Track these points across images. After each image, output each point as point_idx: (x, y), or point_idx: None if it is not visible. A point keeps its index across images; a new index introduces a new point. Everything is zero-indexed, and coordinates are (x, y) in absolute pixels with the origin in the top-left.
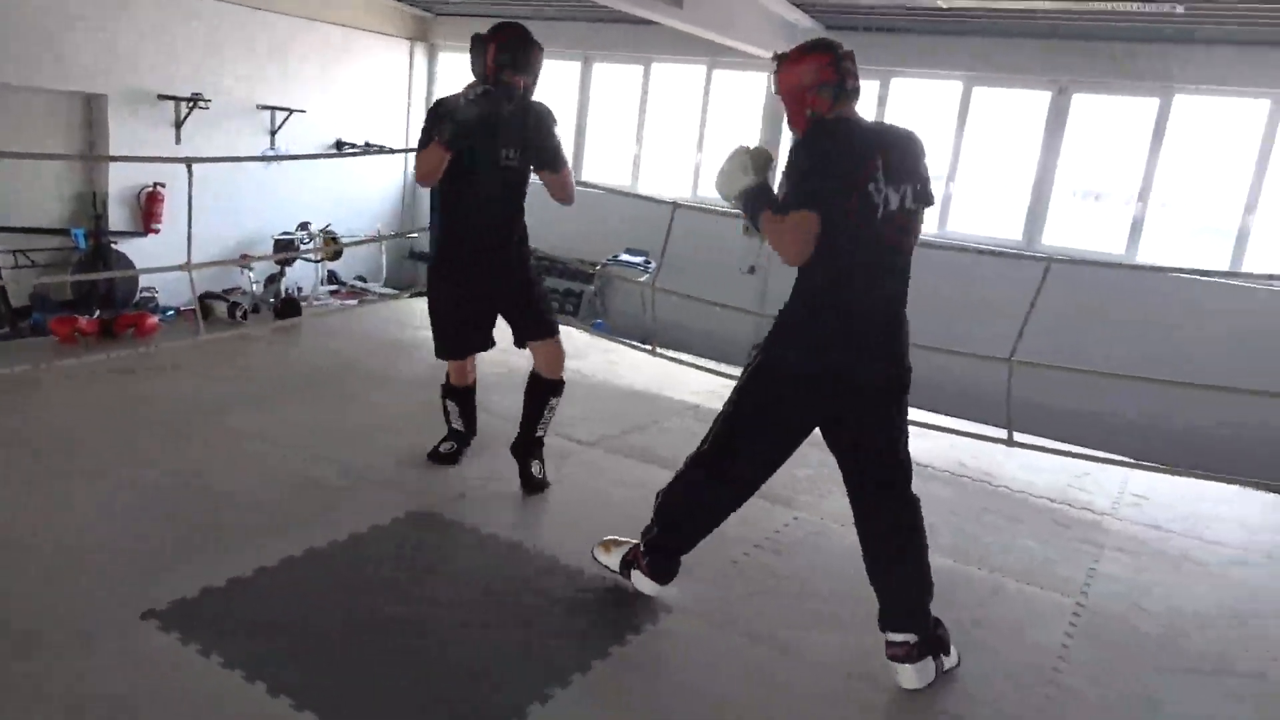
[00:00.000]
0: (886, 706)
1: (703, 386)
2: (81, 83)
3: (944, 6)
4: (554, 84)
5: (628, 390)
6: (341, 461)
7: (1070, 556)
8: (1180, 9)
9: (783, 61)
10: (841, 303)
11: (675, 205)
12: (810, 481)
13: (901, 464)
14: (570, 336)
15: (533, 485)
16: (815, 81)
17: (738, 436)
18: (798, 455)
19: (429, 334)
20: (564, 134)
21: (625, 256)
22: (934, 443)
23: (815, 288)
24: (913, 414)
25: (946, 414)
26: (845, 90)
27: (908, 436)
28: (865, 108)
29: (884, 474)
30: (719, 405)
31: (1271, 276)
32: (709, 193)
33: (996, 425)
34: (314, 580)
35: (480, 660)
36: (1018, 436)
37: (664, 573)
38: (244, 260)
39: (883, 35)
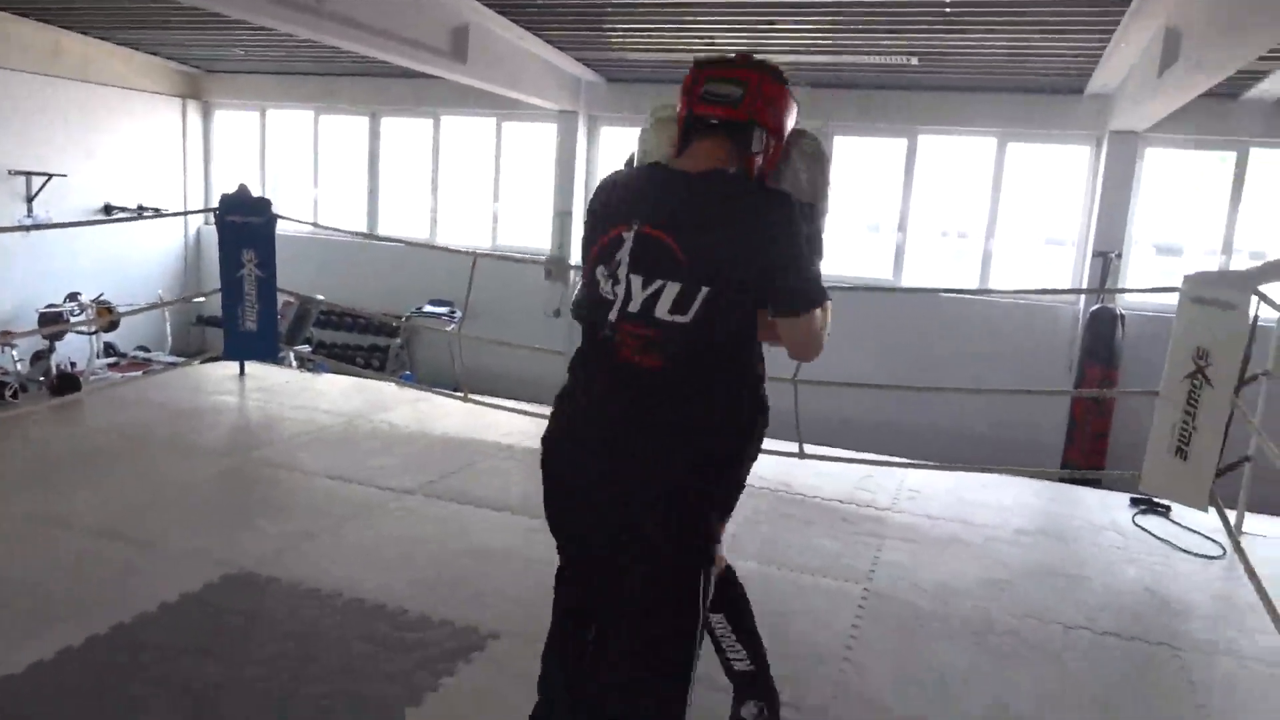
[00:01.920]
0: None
1: (515, 428)
2: None
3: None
4: (342, 140)
5: (440, 437)
6: (142, 534)
7: (857, 549)
8: (914, 60)
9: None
10: (562, 426)
11: (475, 255)
12: None
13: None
14: (380, 391)
15: None
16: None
17: None
18: None
19: (226, 398)
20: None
21: (430, 308)
22: None
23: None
24: None
25: None
26: (693, 123)
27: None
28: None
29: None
30: (532, 444)
31: (1016, 292)
32: (508, 240)
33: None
34: (125, 655)
35: (307, 713)
36: (808, 449)
37: None
38: (3, 337)
39: (661, 86)
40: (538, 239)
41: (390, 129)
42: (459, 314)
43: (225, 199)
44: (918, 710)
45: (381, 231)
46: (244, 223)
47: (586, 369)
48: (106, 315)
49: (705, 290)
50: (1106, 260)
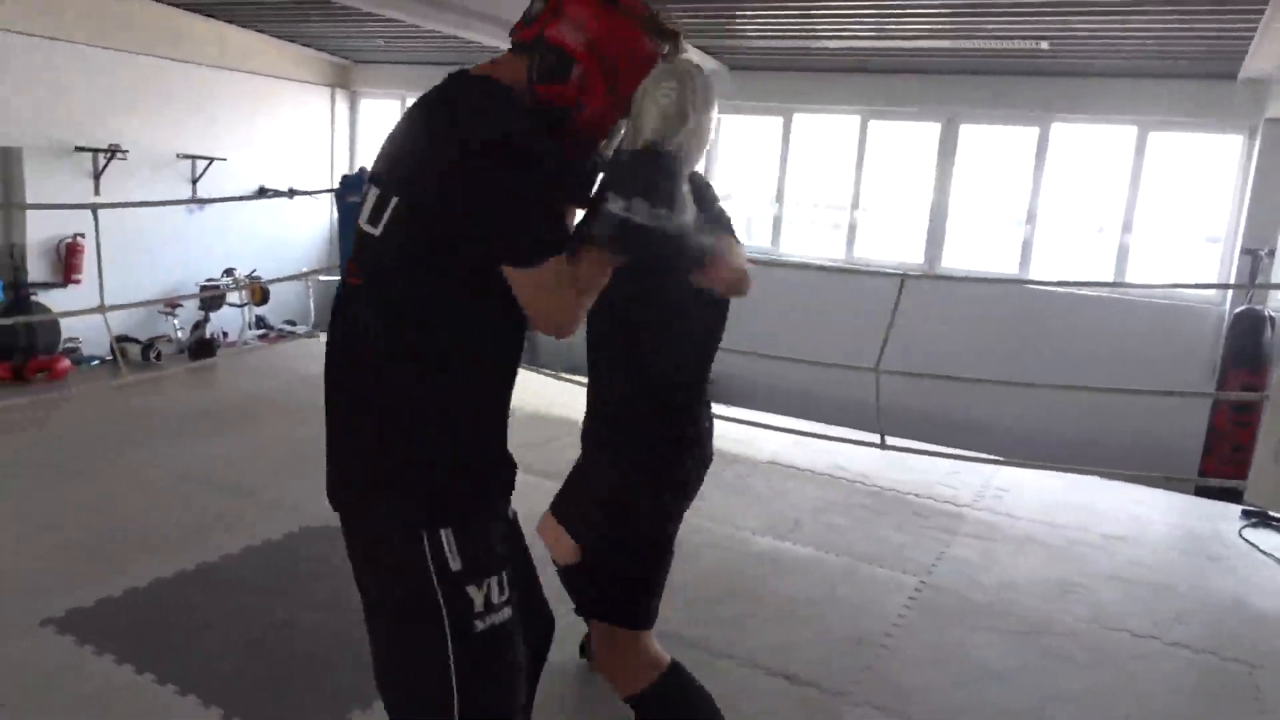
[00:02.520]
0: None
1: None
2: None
3: (833, 46)
4: None
5: (530, 414)
6: (241, 484)
7: (924, 543)
8: (1045, 45)
9: None
10: None
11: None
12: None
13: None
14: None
15: None
16: None
17: None
18: None
19: None
20: None
21: None
22: (812, 449)
23: None
24: (791, 423)
25: (830, 423)
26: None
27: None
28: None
29: None
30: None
31: (1151, 286)
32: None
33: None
34: (203, 589)
35: (348, 656)
36: (892, 440)
37: None
38: (167, 303)
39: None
40: None
41: None
42: None
43: (345, 179)
44: (945, 700)
45: None
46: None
47: None
48: (257, 290)
49: (394, 201)
50: (1256, 258)
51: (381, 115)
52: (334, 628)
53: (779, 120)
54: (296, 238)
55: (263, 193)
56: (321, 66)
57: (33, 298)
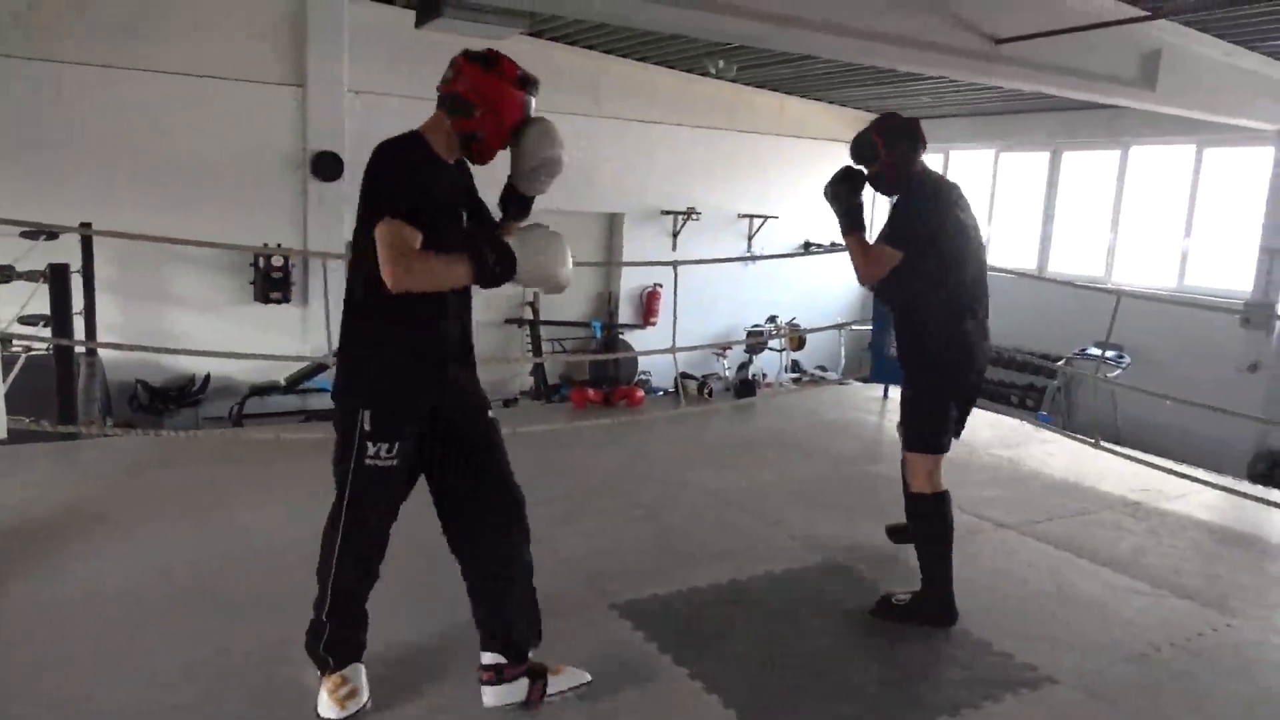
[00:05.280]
0: None
1: (1150, 485)
2: (607, 205)
3: None
4: (1020, 176)
5: (1058, 481)
6: (771, 514)
7: None
8: None
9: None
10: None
11: (1119, 294)
12: (1257, 591)
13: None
14: (1014, 428)
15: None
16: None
17: None
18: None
19: (864, 415)
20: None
21: (1094, 350)
22: None
23: None
24: None
25: None
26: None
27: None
28: None
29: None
30: (1166, 505)
31: None
32: (1198, 281)
33: None
34: (736, 603)
35: (856, 684)
36: None
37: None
38: (721, 346)
39: None
40: (1238, 280)
41: (1071, 163)
42: (1126, 360)
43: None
44: None
45: (1053, 269)
46: None
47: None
48: (795, 337)
49: (359, 210)
50: None
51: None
52: (844, 663)
53: None
54: (834, 289)
55: (807, 247)
56: (861, 126)
57: (620, 336)
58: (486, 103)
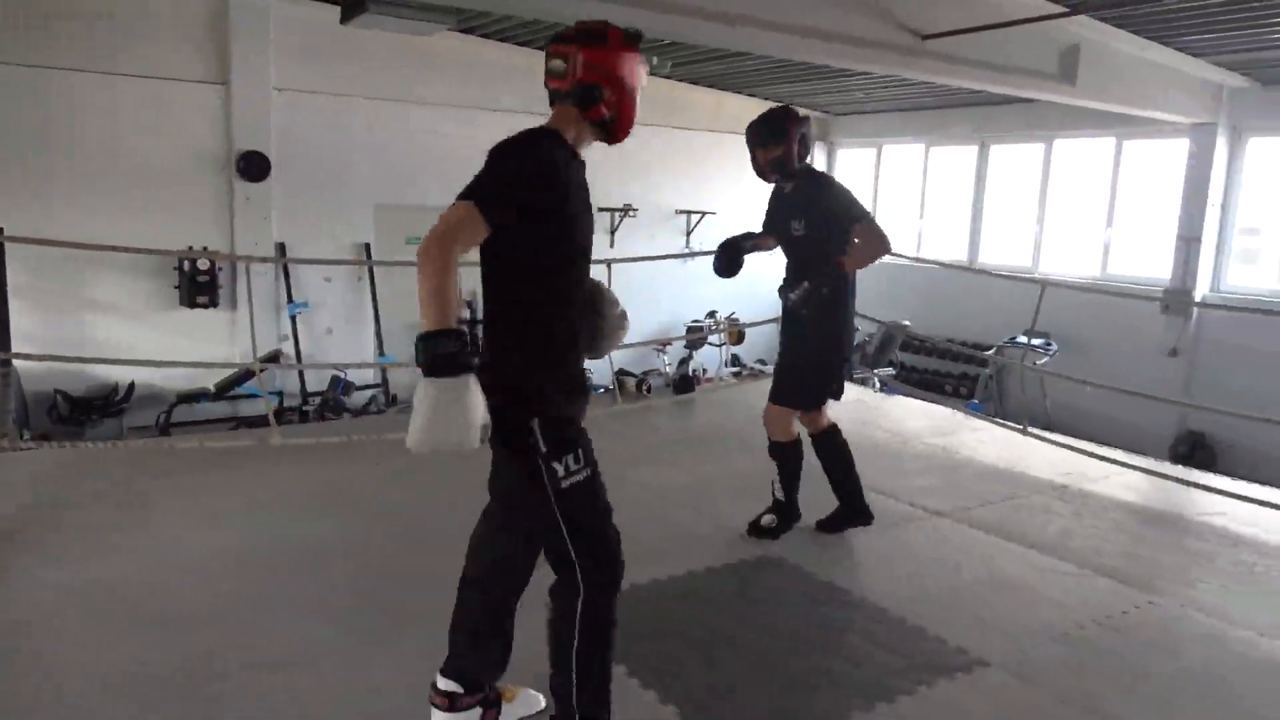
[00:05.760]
0: None
1: (1075, 469)
2: None
3: None
4: (949, 170)
5: (988, 467)
6: (710, 508)
7: None
8: None
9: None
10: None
11: (1044, 284)
12: (1178, 568)
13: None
14: (945, 416)
15: (752, 529)
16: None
17: None
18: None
19: None
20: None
21: (1023, 339)
22: None
23: None
24: None
25: None
26: (549, 93)
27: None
28: None
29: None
30: (1091, 488)
31: None
32: (1120, 270)
33: None
34: (672, 598)
35: (784, 678)
36: None
37: None
38: (660, 342)
39: None
40: (1157, 268)
41: (998, 156)
42: (1054, 348)
43: None
44: None
45: (983, 260)
46: None
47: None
48: (735, 332)
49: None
50: None
51: (858, 164)
52: (781, 655)
53: None
54: (769, 283)
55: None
56: None
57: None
58: (613, 81)
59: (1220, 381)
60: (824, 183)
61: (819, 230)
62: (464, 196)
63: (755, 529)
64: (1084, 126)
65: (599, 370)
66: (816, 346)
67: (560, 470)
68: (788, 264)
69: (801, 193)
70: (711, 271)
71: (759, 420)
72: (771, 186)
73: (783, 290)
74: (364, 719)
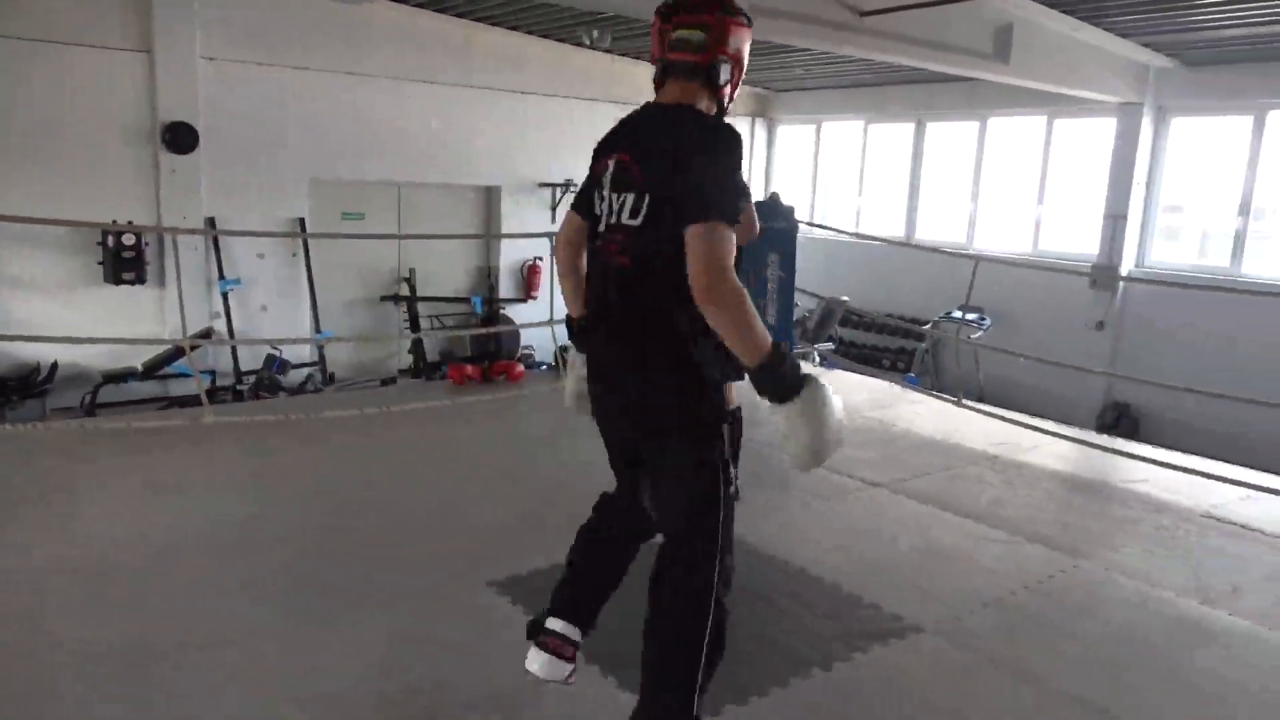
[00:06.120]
0: None
1: (1008, 439)
2: (483, 178)
3: None
4: (889, 147)
5: (925, 439)
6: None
7: None
8: None
9: None
10: (588, 325)
11: (977, 259)
12: (1102, 534)
13: (672, 516)
14: (884, 390)
15: None
16: (651, 56)
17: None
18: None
19: (746, 384)
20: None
21: (958, 313)
22: (1267, 505)
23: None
24: (1243, 474)
25: None
26: (667, 68)
27: (686, 487)
28: (1238, 143)
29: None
30: (1022, 458)
31: None
32: (1051, 246)
33: None
34: None
35: (734, 645)
36: None
37: None
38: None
39: (1261, 65)
40: (1085, 245)
41: (935, 134)
42: (987, 322)
43: (757, 205)
44: None
45: (919, 236)
46: (770, 228)
47: (591, 269)
48: None
49: (648, 198)
50: None
51: (798, 140)
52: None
53: (1248, 120)
54: None
55: None
56: (743, 97)
57: (501, 311)
58: (737, 57)
59: (1143, 353)
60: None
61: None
62: (708, 218)
63: None
64: (1017, 105)
65: (544, 347)
66: None
67: (732, 475)
68: None
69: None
70: None
71: None
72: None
73: None
74: (302, 700)
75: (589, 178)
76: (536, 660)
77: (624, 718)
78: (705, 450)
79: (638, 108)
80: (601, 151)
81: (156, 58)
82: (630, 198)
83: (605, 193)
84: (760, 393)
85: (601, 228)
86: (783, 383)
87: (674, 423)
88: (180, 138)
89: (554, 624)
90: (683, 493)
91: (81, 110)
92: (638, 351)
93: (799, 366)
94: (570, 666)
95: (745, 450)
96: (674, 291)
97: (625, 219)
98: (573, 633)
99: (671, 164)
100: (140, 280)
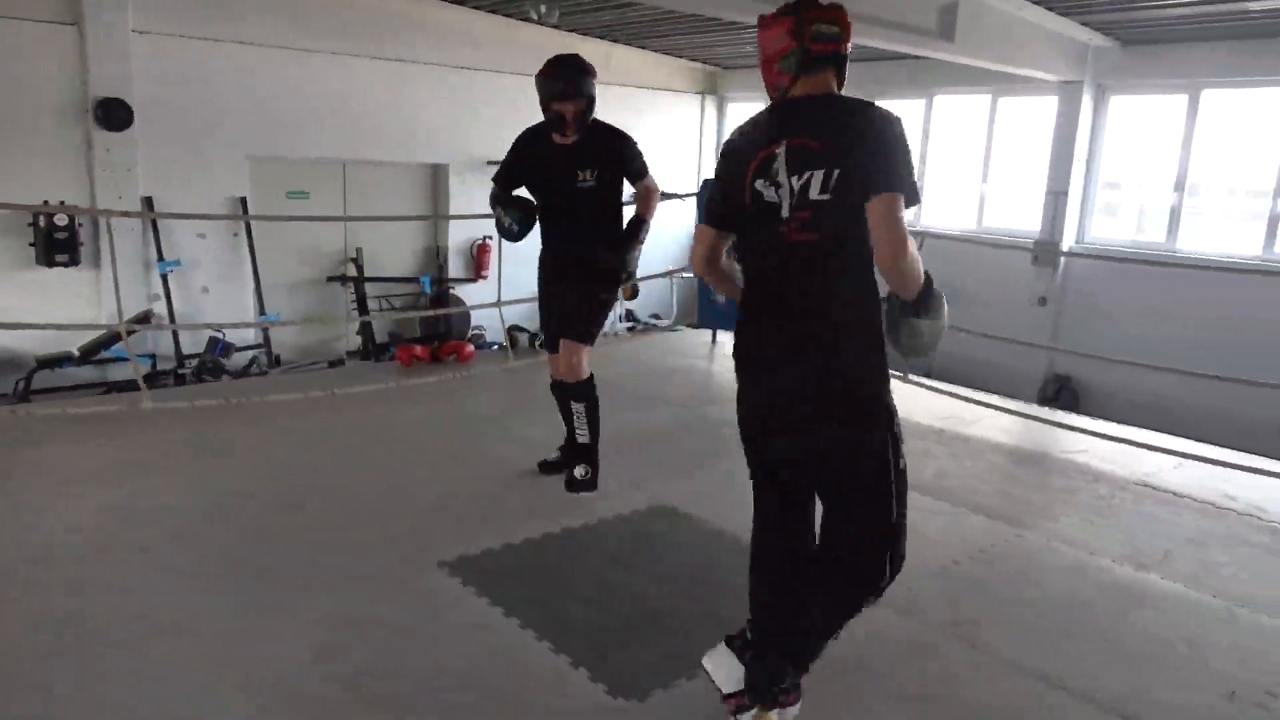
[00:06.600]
0: (1064, 704)
1: (951, 413)
2: (430, 156)
3: (1254, 9)
4: None
5: None
6: (601, 461)
7: None
8: None
9: (758, 26)
10: (751, 314)
11: (923, 237)
12: (1043, 504)
13: (853, 520)
14: None
15: (573, 486)
16: (777, 52)
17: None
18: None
19: (695, 361)
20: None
21: None
22: (1196, 473)
23: (744, 296)
24: (1174, 443)
25: (1215, 443)
26: (811, 59)
27: (870, 487)
28: (1173, 121)
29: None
30: (965, 431)
31: None
32: (995, 223)
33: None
34: (564, 551)
35: (676, 623)
36: None
37: None
38: None
39: (1195, 45)
40: (1027, 221)
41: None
42: None
43: (705, 183)
44: None
45: None
46: None
47: (762, 258)
48: (628, 286)
49: (837, 171)
50: None
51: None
52: (672, 600)
53: (1183, 98)
54: (662, 238)
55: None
56: (693, 75)
57: (450, 291)
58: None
59: (1084, 327)
60: (621, 133)
61: (610, 180)
62: (896, 189)
63: (575, 484)
64: (962, 83)
65: (494, 328)
66: (606, 280)
67: (902, 451)
68: (557, 216)
69: (591, 144)
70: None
71: (653, 374)
72: (519, 138)
73: (576, 247)
74: (247, 686)
75: (726, 186)
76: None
77: (569, 694)
78: (895, 426)
79: (775, 103)
80: (748, 148)
81: (86, 30)
82: (818, 174)
83: (780, 179)
84: (915, 315)
85: (785, 213)
86: (929, 297)
87: (870, 391)
88: (113, 114)
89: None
90: (877, 472)
91: (7, 86)
92: (826, 325)
93: (932, 281)
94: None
95: (701, 429)
96: (856, 260)
97: (814, 194)
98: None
99: (857, 139)
100: (74, 263)
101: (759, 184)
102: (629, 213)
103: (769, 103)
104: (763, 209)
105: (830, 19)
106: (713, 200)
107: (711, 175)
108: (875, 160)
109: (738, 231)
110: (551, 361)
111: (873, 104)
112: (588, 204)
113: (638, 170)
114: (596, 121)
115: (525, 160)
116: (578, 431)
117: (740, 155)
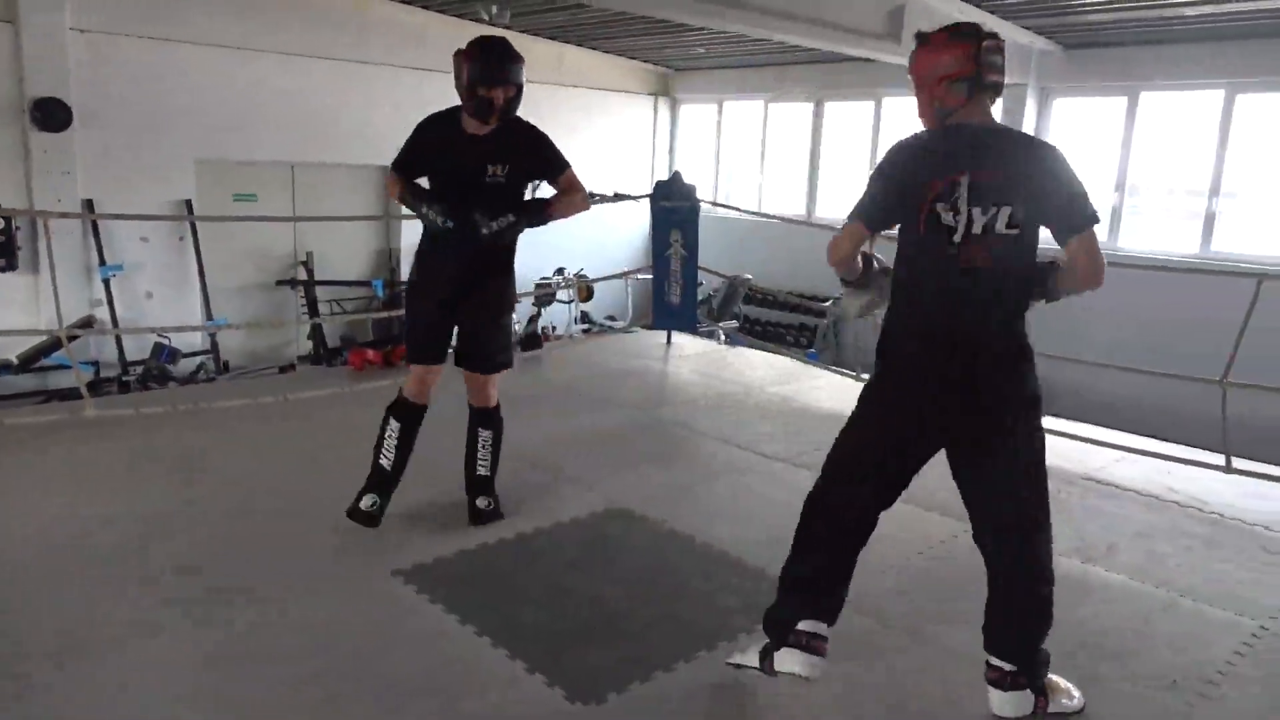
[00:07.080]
0: None
1: None
2: (381, 158)
3: (1190, 14)
4: (789, 126)
5: (826, 413)
6: (555, 467)
7: (1271, 582)
8: None
9: (922, 44)
10: (913, 326)
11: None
12: None
13: (1022, 501)
14: (785, 366)
15: (479, 518)
16: (950, 74)
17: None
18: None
19: (650, 363)
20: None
21: None
22: (1140, 467)
23: (896, 306)
24: (1119, 438)
25: (1158, 437)
26: (982, 85)
27: (1028, 468)
28: (1113, 123)
29: (1002, 511)
30: None
31: None
32: None
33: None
34: (520, 556)
35: (635, 627)
36: (1239, 463)
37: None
38: None
39: (1135, 49)
40: None
41: (833, 113)
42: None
43: (658, 185)
44: None
45: (820, 214)
46: (673, 207)
47: (929, 279)
48: (584, 288)
49: (1024, 209)
50: None
51: (700, 119)
52: (628, 603)
53: (1122, 100)
54: (617, 239)
55: (590, 197)
56: (645, 76)
57: (403, 294)
58: None
59: (1034, 325)
60: (538, 130)
61: (521, 177)
62: (1090, 224)
63: (481, 515)
64: (909, 84)
65: None
66: (509, 301)
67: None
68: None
69: (507, 137)
70: (561, 228)
71: (607, 377)
72: (424, 124)
73: (466, 228)
74: (198, 698)
75: (895, 199)
76: (796, 661)
77: (526, 699)
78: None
79: (950, 128)
80: (925, 171)
81: (21, 27)
82: (1004, 210)
83: (961, 207)
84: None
85: (957, 238)
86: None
87: (1029, 400)
88: (51, 115)
89: (806, 625)
90: (1033, 472)
91: None
92: (1002, 344)
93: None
94: (824, 661)
95: (656, 431)
96: (1025, 285)
97: (1001, 229)
98: (824, 629)
99: (1041, 179)
100: (12, 267)
101: (939, 207)
102: None
103: (923, 124)
104: (935, 229)
105: (999, 48)
106: (875, 205)
107: (873, 175)
108: (1071, 204)
109: (901, 242)
110: (418, 379)
111: (1044, 141)
112: (491, 201)
113: (560, 164)
114: (516, 116)
115: (431, 148)
116: (479, 462)
117: (918, 176)
